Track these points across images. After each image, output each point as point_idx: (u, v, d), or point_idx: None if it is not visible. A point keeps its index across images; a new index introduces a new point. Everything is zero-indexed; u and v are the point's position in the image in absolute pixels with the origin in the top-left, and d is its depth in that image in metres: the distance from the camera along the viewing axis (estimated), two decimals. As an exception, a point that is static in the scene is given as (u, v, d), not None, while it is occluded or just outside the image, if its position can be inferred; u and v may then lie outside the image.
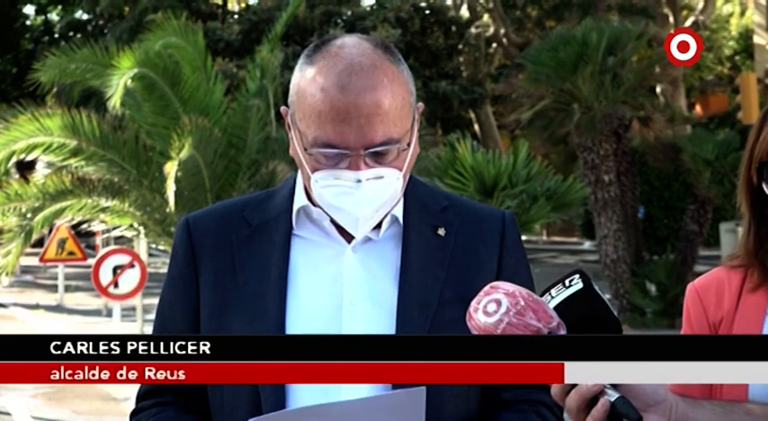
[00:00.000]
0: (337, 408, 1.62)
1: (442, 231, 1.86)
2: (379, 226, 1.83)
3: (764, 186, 1.78)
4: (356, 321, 1.78)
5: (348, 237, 1.83)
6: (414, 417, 1.62)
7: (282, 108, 1.87)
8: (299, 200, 1.85)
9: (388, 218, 1.84)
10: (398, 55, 1.83)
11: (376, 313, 1.79)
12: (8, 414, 8.83)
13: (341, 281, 1.80)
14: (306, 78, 1.77)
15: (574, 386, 1.49)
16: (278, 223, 1.86)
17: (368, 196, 1.74)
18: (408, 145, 1.77)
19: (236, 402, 1.78)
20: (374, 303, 1.79)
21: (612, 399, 1.48)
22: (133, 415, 1.91)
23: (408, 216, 1.85)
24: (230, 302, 1.81)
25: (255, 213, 1.88)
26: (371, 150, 1.72)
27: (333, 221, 1.83)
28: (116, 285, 10.86)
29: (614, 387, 1.50)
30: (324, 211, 1.82)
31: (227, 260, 1.84)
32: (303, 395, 1.75)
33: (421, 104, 1.87)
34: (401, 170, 1.77)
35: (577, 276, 1.58)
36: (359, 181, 1.73)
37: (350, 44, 1.78)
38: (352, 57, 1.75)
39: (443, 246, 1.85)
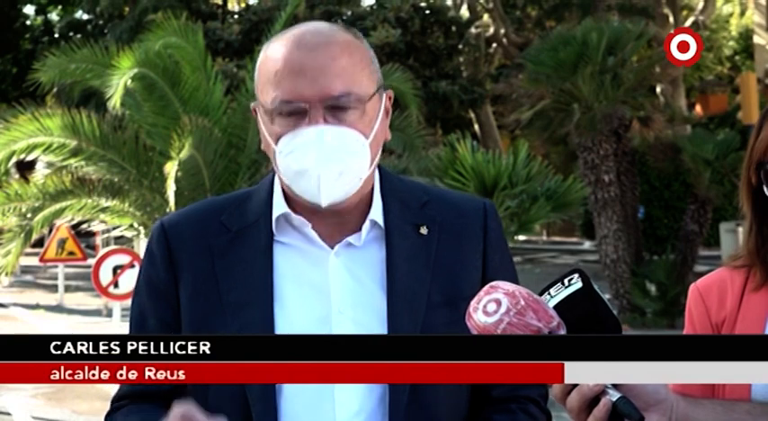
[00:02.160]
0: None
1: (424, 230, 1.83)
2: (359, 230, 1.80)
3: (764, 187, 1.78)
4: (345, 329, 1.74)
5: (331, 243, 1.80)
6: None
7: (252, 104, 1.86)
8: (279, 206, 1.82)
9: (368, 223, 1.81)
10: (360, 35, 1.84)
11: (366, 320, 1.76)
12: (8, 414, 8.83)
13: (327, 288, 1.77)
14: (265, 54, 1.79)
15: (575, 386, 1.49)
16: (258, 229, 1.81)
17: (329, 151, 1.70)
18: (365, 104, 1.74)
19: (221, 405, 1.73)
20: (363, 310, 1.76)
21: (614, 399, 1.47)
22: (107, 416, 1.85)
23: (388, 216, 1.82)
24: (213, 310, 1.77)
25: (234, 218, 1.83)
26: (330, 103, 1.71)
27: (314, 227, 1.79)
28: (116, 285, 10.85)
29: (615, 386, 1.50)
30: (304, 218, 1.79)
31: (208, 267, 1.79)
32: (294, 404, 1.72)
33: (390, 91, 1.86)
34: (367, 137, 1.75)
35: (577, 275, 1.57)
36: (319, 134, 1.70)
37: (310, 23, 1.83)
38: (310, 26, 1.80)
39: (427, 245, 1.82)
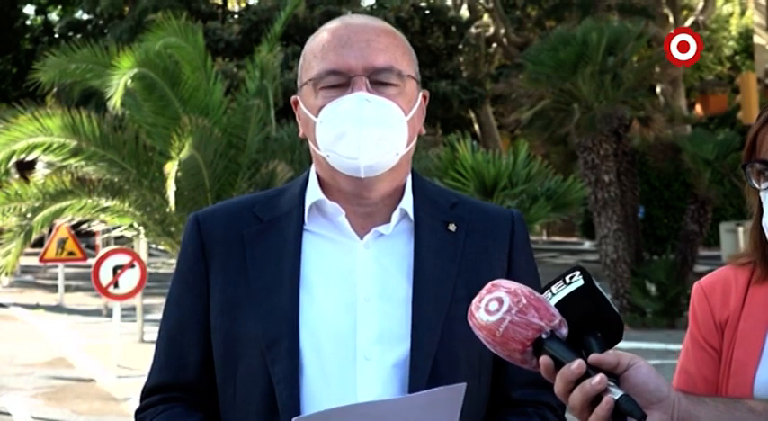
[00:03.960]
0: (380, 407, 1.61)
1: (452, 227, 1.86)
2: (389, 221, 1.84)
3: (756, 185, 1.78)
4: (370, 317, 1.78)
5: (361, 233, 1.83)
6: (450, 412, 1.62)
7: (293, 98, 1.91)
8: (313, 194, 1.86)
9: (398, 212, 1.84)
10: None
11: (390, 309, 1.79)
12: (8, 414, 8.83)
13: (354, 277, 1.80)
14: (312, 39, 1.87)
15: (577, 383, 1.49)
16: (289, 219, 1.86)
17: (370, 115, 1.76)
18: (405, 83, 1.81)
19: (249, 397, 1.77)
20: (388, 299, 1.79)
21: (616, 397, 1.47)
22: (139, 412, 1.90)
23: (418, 211, 1.86)
24: (242, 298, 1.81)
25: (266, 209, 1.88)
26: (373, 75, 1.78)
27: (347, 216, 1.83)
28: (116, 285, 10.85)
29: (617, 384, 1.50)
30: (338, 205, 1.82)
31: (239, 256, 1.84)
32: (318, 390, 1.75)
33: (426, 92, 1.92)
34: (405, 114, 1.80)
35: (578, 273, 1.57)
36: (361, 99, 1.76)
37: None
38: (356, 15, 1.89)
39: (454, 241, 1.85)
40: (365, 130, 1.75)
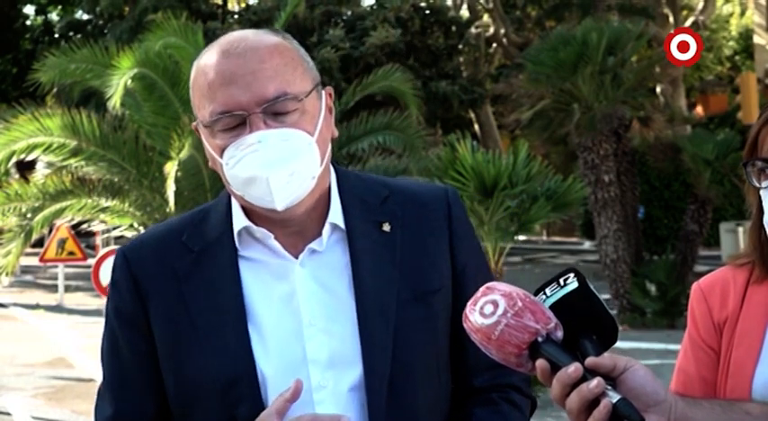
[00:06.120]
0: None
1: (386, 227, 1.79)
2: (320, 235, 1.77)
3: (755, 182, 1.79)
4: (318, 341, 1.72)
5: (295, 252, 1.76)
6: None
7: (192, 123, 1.81)
8: (239, 220, 1.78)
9: (327, 226, 1.77)
10: (288, 36, 1.80)
11: (337, 328, 1.72)
12: (8, 414, 8.83)
13: (296, 300, 1.73)
14: (195, 69, 1.76)
15: (574, 387, 1.49)
16: (221, 246, 1.77)
17: (275, 154, 1.66)
18: (303, 103, 1.70)
19: None
20: (333, 319, 1.73)
21: (614, 400, 1.46)
22: None
23: (349, 217, 1.78)
24: (186, 336, 1.73)
25: (195, 237, 1.79)
26: (267, 107, 1.67)
27: (276, 238, 1.75)
28: (116, 285, 10.84)
29: (614, 387, 1.49)
30: (265, 230, 1.75)
31: (175, 291, 1.75)
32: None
33: (330, 88, 1.82)
34: (311, 135, 1.70)
35: (572, 275, 1.56)
36: (260, 141, 1.66)
37: (236, 32, 1.79)
38: (235, 34, 1.77)
39: (391, 243, 1.78)
40: (274, 173, 1.66)
